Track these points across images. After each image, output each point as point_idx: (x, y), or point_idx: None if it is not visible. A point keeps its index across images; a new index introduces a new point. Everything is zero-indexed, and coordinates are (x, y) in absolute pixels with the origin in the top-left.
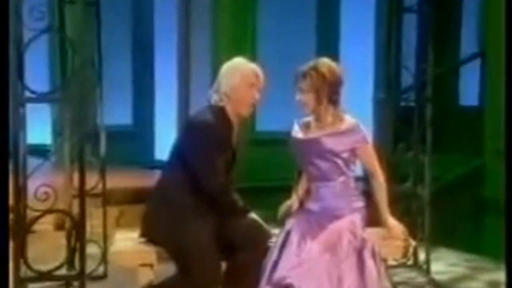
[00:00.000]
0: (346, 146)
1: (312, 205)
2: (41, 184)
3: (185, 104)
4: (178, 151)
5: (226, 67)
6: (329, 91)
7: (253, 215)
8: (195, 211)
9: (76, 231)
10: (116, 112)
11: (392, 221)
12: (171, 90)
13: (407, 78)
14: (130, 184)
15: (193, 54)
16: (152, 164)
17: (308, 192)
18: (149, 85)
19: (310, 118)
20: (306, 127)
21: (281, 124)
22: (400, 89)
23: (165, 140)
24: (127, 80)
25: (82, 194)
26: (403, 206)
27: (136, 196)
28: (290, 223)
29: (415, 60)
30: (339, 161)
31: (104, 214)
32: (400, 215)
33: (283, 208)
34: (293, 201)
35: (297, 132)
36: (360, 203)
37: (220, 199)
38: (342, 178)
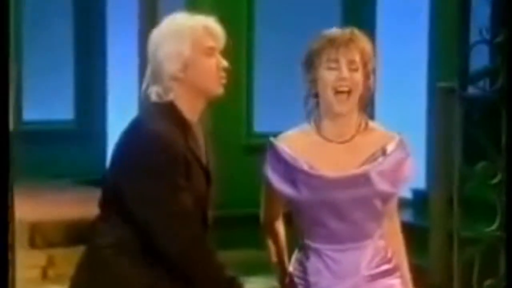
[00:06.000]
0: (401, 180)
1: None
2: None
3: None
4: (114, 190)
5: (161, 34)
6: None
7: None
8: None
9: None
10: (50, 103)
11: None
12: (130, 71)
13: (480, 59)
14: (67, 214)
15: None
16: (102, 177)
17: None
18: (99, 64)
19: (308, 128)
20: (312, 154)
21: (289, 123)
22: (469, 75)
23: None
24: (66, 55)
25: None
26: (483, 260)
27: (74, 233)
28: None
29: (494, 32)
30: (380, 205)
31: (12, 280)
32: (480, 274)
33: None
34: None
35: (303, 165)
36: (394, 262)
37: (191, 267)
38: (380, 231)
